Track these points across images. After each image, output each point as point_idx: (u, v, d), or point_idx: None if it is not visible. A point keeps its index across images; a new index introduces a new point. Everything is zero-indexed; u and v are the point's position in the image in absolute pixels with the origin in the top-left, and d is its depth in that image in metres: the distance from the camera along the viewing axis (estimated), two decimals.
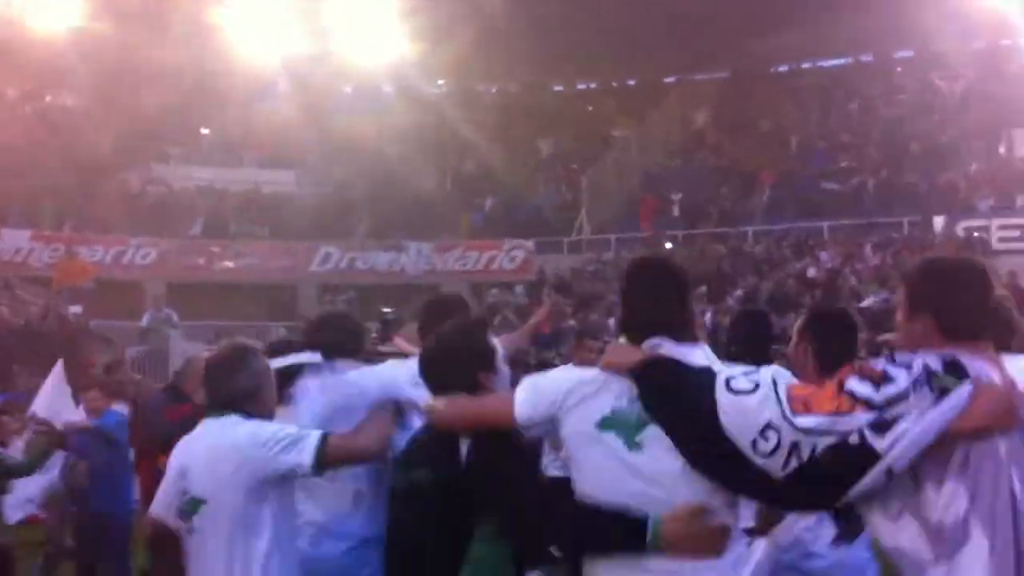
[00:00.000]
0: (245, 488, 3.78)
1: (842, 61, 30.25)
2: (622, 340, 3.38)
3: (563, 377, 3.37)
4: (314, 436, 3.78)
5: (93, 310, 20.85)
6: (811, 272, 20.68)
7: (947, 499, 2.82)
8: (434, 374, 3.69)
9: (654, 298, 3.33)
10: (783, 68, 30.85)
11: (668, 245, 23.85)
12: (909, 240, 21.52)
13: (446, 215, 27.68)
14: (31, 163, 26.06)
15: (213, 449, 3.85)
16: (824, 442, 2.84)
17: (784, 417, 2.90)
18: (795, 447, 2.87)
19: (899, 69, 28.74)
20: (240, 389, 3.93)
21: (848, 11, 25.12)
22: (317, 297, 25.54)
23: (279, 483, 3.84)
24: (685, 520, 3.10)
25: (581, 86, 33.43)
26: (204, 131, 30.23)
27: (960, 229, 21.52)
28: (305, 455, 3.75)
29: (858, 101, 28.37)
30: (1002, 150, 24.38)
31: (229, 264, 24.99)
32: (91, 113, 27.65)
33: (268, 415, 3.98)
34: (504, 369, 3.84)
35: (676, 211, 26.29)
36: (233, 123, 29.17)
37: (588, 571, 3.25)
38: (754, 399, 2.99)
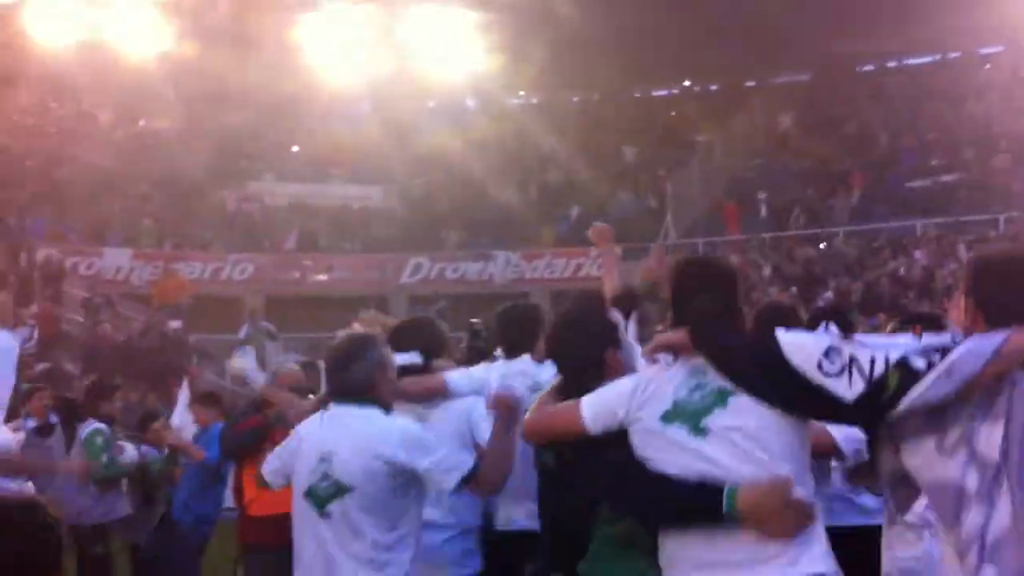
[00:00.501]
0: (394, 483, 3.94)
1: (928, 59, 29.87)
2: None
3: (624, 385, 3.41)
4: (466, 466, 3.95)
5: (192, 325, 21.42)
6: (903, 271, 20.51)
7: (995, 436, 2.90)
8: (561, 354, 3.81)
9: (701, 296, 3.38)
10: (867, 68, 30.55)
11: (755, 248, 23.79)
12: (1004, 236, 21.19)
13: (532, 224, 27.89)
14: (129, 185, 26.89)
15: (364, 439, 3.98)
16: (880, 355, 2.96)
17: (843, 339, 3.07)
18: (854, 361, 2.98)
19: (987, 65, 28.29)
20: (358, 378, 4.07)
21: (932, 8, 24.86)
22: (408, 308, 25.89)
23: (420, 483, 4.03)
24: (764, 491, 3.11)
25: (662, 92, 33.43)
26: (294, 149, 30.83)
27: None
28: (451, 482, 3.94)
29: (946, 98, 27.99)
30: None
31: (322, 277, 25.47)
32: (183, 135, 28.40)
33: (387, 405, 4.13)
34: (631, 343, 4.00)
35: (763, 214, 26.15)
36: (319, 140, 29.73)
37: (663, 547, 3.30)
38: (811, 336, 3.28)
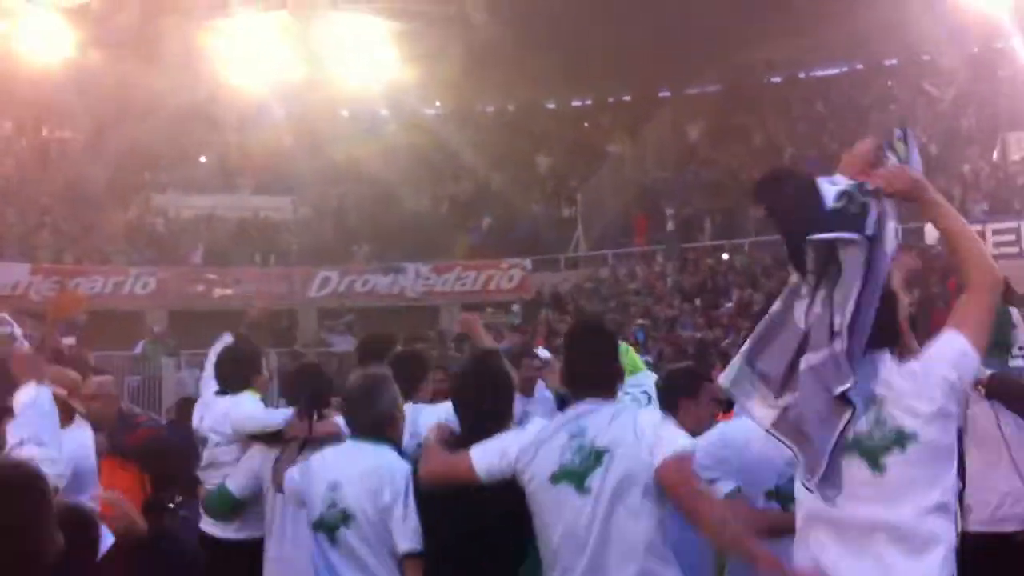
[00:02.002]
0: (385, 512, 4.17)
1: (835, 71, 30.29)
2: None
3: (514, 439, 3.85)
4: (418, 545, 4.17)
5: (91, 341, 20.92)
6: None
7: None
8: (468, 404, 4.25)
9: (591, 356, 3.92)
10: (776, 79, 30.89)
11: (660, 259, 23.91)
12: (904, 246, 21.44)
13: (443, 235, 27.79)
14: (28, 196, 26.28)
15: (372, 474, 4.20)
16: None
17: None
18: None
19: (891, 77, 28.73)
20: (379, 414, 4.34)
21: (839, 20, 25.15)
22: (317, 321, 25.66)
23: None
24: None
25: (576, 103, 33.52)
26: (201, 159, 30.37)
27: None
28: (403, 547, 4.16)
29: (850, 110, 28.38)
30: (995, 155, 24.34)
31: (228, 291, 25.08)
32: (87, 145, 27.87)
33: (399, 438, 4.45)
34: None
35: (671, 225, 26.30)
36: (228, 150, 29.34)
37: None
38: None
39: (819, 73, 30.52)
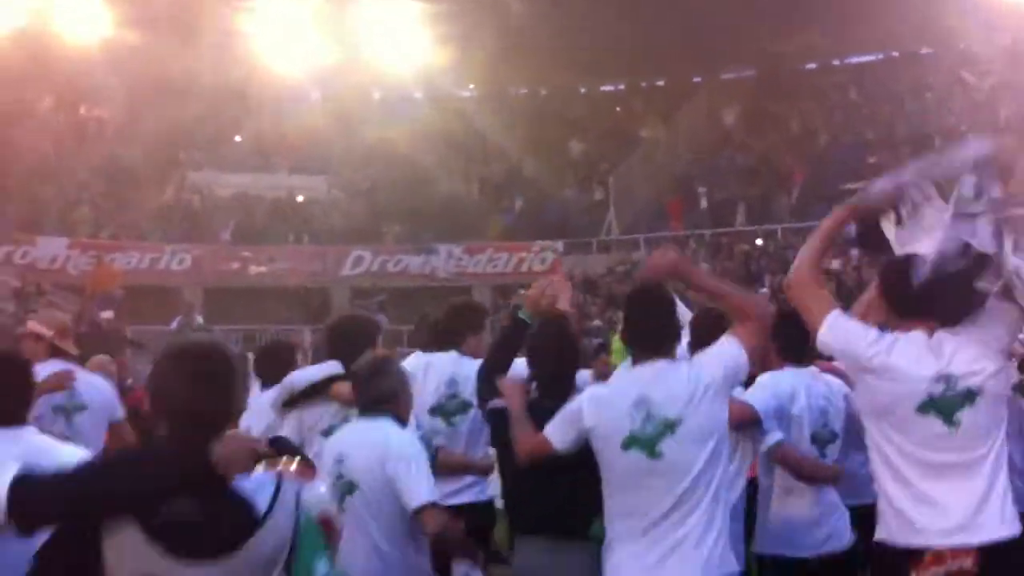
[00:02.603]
0: (390, 482, 4.42)
1: (870, 57, 30.13)
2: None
3: (578, 405, 4.17)
4: (423, 498, 4.41)
5: (127, 316, 21.18)
6: (835, 265, 20.66)
7: None
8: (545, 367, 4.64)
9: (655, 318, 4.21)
10: (811, 66, 30.75)
11: (693, 244, 23.91)
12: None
13: (476, 218, 27.89)
14: (67, 173, 26.55)
15: (375, 447, 4.49)
16: None
17: None
18: None
19: (927, 65, 28.56)
20: (384, 391, 4.60)
21: (876, 8, 25.07)
22: (349, 300, 25.81)
23: None
24: None
25: (609, 87, 33.49)
26: (237, 139, 30.57)
27: None
28: (412, 503, 4.40)
29: (886, 97, 28.26)
30: None
31: (262, 269, 25.31)
32: (124, 123, 28.09)
33: (406, 416, 4.73)
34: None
35: (704, 208, 26.29)
36: (265, 130, 29.51)
37: None
38: None
39: (854, 60, 30.38)
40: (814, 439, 4.87)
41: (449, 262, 25.96)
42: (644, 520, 3.98)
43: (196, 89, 27.64)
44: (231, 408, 2.89)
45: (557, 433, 4.15)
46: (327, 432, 5.01)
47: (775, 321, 4.59)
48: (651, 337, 4.15)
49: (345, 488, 4.46)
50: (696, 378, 4.03)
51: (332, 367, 5.24)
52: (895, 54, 29.72)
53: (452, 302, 6.14)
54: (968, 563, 3.63)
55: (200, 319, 20.54)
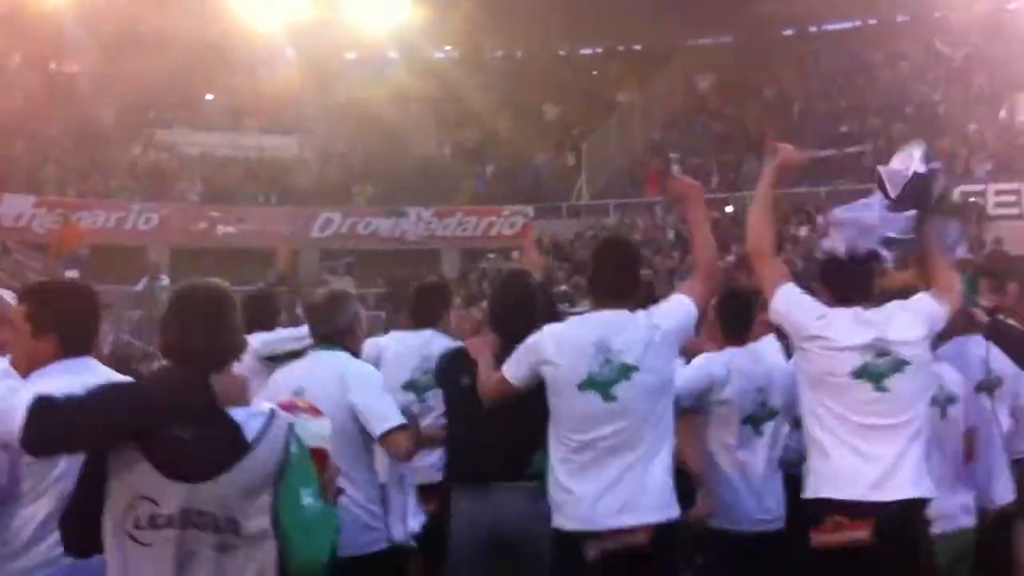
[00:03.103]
0: (357, 424, 4.45)
1: (847, 25, 29.98)
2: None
3: (535, 344, 4.36)
4: (390, 423, 4.44)
5: (94, 275, 21.07)
6: (803, 233, 20.69)
7: None
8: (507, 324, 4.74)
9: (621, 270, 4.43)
10: (788, 32, 30.60)
11: (660, 212, 23.89)
12: None
13: (448, 181, 27.77)
14: (34, 130, 26.32)
15: (334, 380, 4.51)
16: None
17: None
18: None
19: (902, 33, 28.43)
20: (339, 325, 4.69)
21: None
22: (318, 262, 25.76)
23: None
24: None
25: (587, 51, 33.29)
26: (208, 97, 30.31)
27: (957, 194, 21.39)
28: (377, 431, 4.45)
29: (861, 66, 28.16)
30: (1003, 114, 24.14)
31: (230, 229, 25.19)
32: (94, 80, 27.84)
33: (358, 349, 4.81)
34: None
35: (675, 176, 26.21)
36: (236, 89, 29.26)
37: None
38: None
39: (831, 28, 30.23)
40: (748, 420, 4.94)
41: (419, 225, 25.90)
42: (591, 455, 4.18)
43: (168, 46, 27.39)
44: (225, 347, 3.07)
45: (513, 370, 4.36)
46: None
47: (720, 299, 4.94)
48: (614, 286, 4.35)
49: None
50: (653, 328, 4.24)
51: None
52: (872, 22, 29.58)
53: (420, 286, 6.12)
54: (865, 534, 4.00)
55: (166, 280, 20.45)
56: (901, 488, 4.05)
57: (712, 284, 4.57)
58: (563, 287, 20.18)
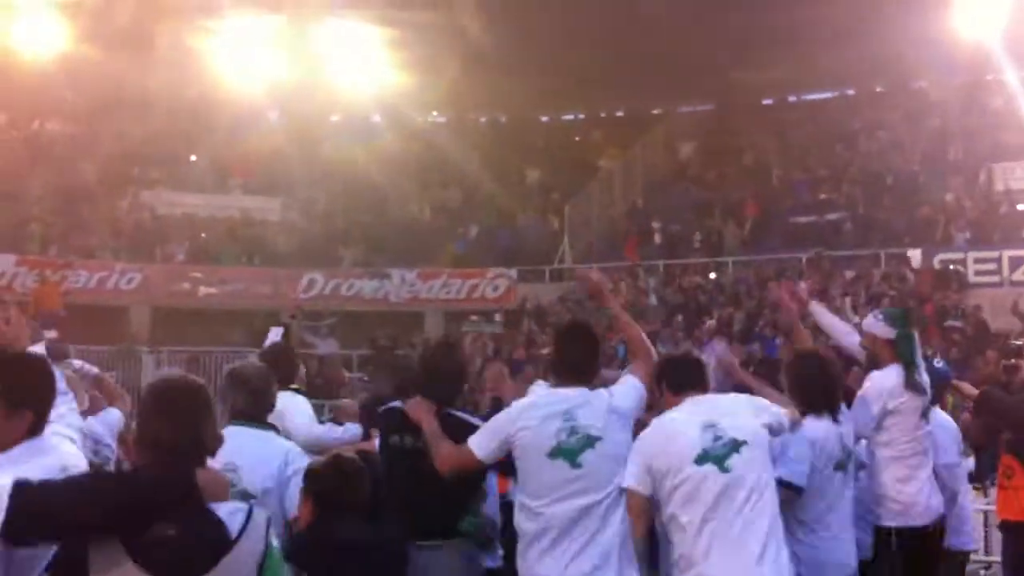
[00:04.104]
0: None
1: (826, 95, 30.47)
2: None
3: (505, 421, 4.72)
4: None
5: (74, 335, 20.91)
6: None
7: None
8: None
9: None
10: (768, 101, 31.06)
11: (643, 275, 24.03)
12: (886, 273, 21.69)
13: (431, 243, 27.84)
14: (17, 188, 26.29)
15: (264, 457, 4.81)
16: None
17: None
18: None
19: (881, 103, 28.89)
20: (273, 404, 5.05)
21: (832, 46, 25.28)
22: (299, 324, 25.68)
23: None
24: None
25: (569, 116, 33.65)
26: (192, 158, 30.39)
27: (937, 261, 21.66)
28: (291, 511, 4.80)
29: (839, 135, 28.57)
30: (981, 183, 24.51)
31: (212, 290, 25.13)
32: (78, 139, 27.90)
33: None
34: None
35: (657, 241, 26.42)
36: (221, 150, 29.35)
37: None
38: None
39: (810, 97, 30.71)
40: None
41: (402, 287, 25.90)
42: (560, 523, 4.47)
43: (152, 107, 27.51)
44: (208, 442, 3.08)
45: (483, 444, 4.66)
46: None
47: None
48: (577, 367, 4.72)
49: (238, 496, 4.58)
50: (613, 406, 4.63)
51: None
52: (850, 92, 30.06)
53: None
54: None
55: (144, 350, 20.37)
56: None
57: (651, 362, 4.93)
58: (545, 351, 20.19)
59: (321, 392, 21.25)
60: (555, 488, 4.48)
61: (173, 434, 2.99)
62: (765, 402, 4.92)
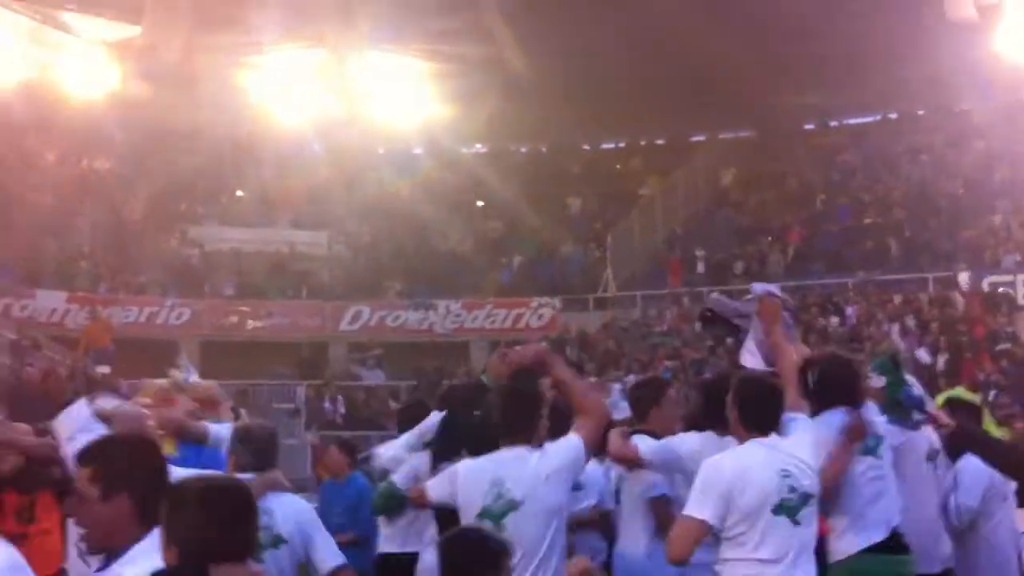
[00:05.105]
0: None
1: (868, 119, 30.34)
2: None
3: (450, 475, 4.97)
4: None
5: (125, 370, 21.16)
6: (833, 324, 20.76)
7: None
8: None
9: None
10: (809, 126, 30.99)
11: (688, 302, 24.00)
12: (934, 297, 21.55)
13: (474, 273, 27.99)
14: (66, 226, 26.71)
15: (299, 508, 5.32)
16: None
17: None
18: None
19: (924, 126, 28.74)
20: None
21: (874, 69, 25.30)
22: (346, 355, 25.88)
23: None
24: None
25: (609, 145, 33.74)
26: (238, 193, 30.76)
27: (986, 284, 21.50)
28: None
29: (882, 159, 28.43)
30: None
31: (259, 323, 25.39)
32: (126, 176, 28.31)
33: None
34: None
35: (700, 268, 26.39)
36: (267, 184, 29.69)
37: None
38: None
39: (852, 121, 30.60)
40: None
41: (447, 318, 26.02)
42: None
43: (198, 143, 27.91)
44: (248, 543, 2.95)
45: (435, 489, 5.01)
46: None
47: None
48: (512, 427, 4.86)
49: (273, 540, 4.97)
50: (541, 467, 4.77)
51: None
52: (893, 115, 29.92)
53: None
54: None
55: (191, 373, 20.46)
56: None
57: (598, 422, 5.03)
58: (592, 379, 20.22)
59: (368, 423, 21.50)
60: None
61: (224, 538, 2.86)
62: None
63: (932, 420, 5.62)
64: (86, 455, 3.18)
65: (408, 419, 6.72)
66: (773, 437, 4.78)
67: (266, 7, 25.45)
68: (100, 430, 4.52)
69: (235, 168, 29.76)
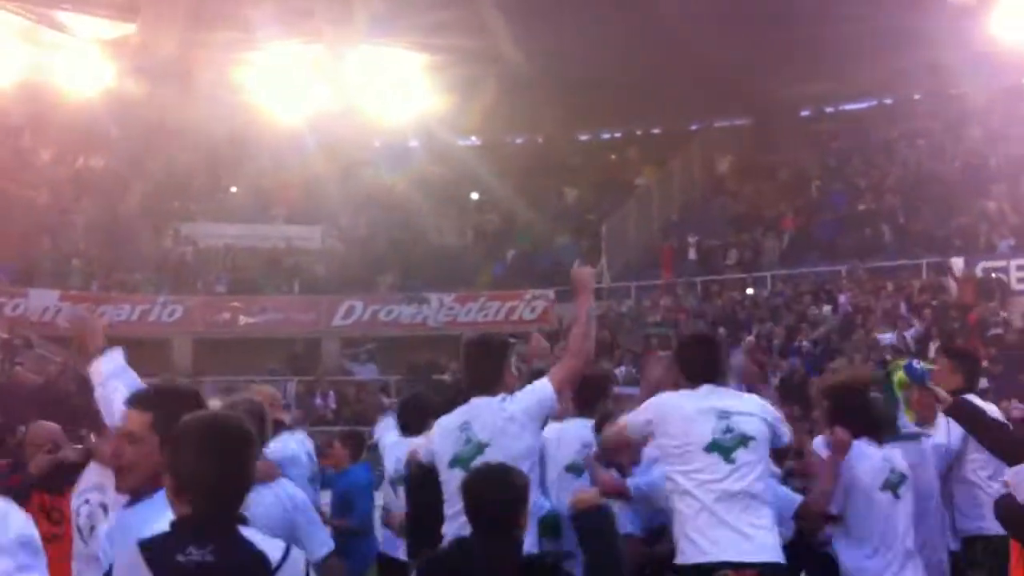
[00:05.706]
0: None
1: (864, 105, 30.12)
2: None
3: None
4: None
5: None
6: (826, 312, 20.67)
7: None
8: None
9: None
10: (805, 113, 30.79)
11: (681, 291, 23.88)
12: (928, 282, 21.41)
13: (469, 266, 27.89)
14: (59, 224, 26.72)
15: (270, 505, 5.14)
16: None
17: None
18: None
19: (919, 112, 28.53)
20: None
21: (869, 55, 25.11)
22: (339, 350, 25.82)
23: None
24: None
25: (606, 135, 33.60)
26: (232, 188, 30.71)
27: (979, 270, 21.35)
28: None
29: (878, 144, 28.24)
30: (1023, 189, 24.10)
31: (252, 319, 25.34)
32: (120, 173, 28.29)
33: None
34: None
35: (692, 256, 26.28)
36: (261, 180, 29.64)
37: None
38: None
39: (848, 107, 30.39)
40: None
41: (440, 311, 25.91)
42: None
43: (191, 139, 27.88)
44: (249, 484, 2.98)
45: (424, 449, 5.15)
46: None
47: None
48: (481, 378, 5.05)
49: None
50: (506, 410, 4.90)
51: None
52: (888, 101, 29.71)
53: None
54: None
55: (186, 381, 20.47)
56: None
57: (577, 364, 5.06)
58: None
59: (359, 418, 21.41)
60: (456, 497, 4.63)
61: (222, 477, 2.89)
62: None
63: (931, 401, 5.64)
64: (146, 401, 3.30)
65: (411, 413, 6.75)
66: (710, 386, 5.04)
67: (260, 2, 25.42)
68: (132, 377, 4.79)
69: (229, 163, 29.74)
